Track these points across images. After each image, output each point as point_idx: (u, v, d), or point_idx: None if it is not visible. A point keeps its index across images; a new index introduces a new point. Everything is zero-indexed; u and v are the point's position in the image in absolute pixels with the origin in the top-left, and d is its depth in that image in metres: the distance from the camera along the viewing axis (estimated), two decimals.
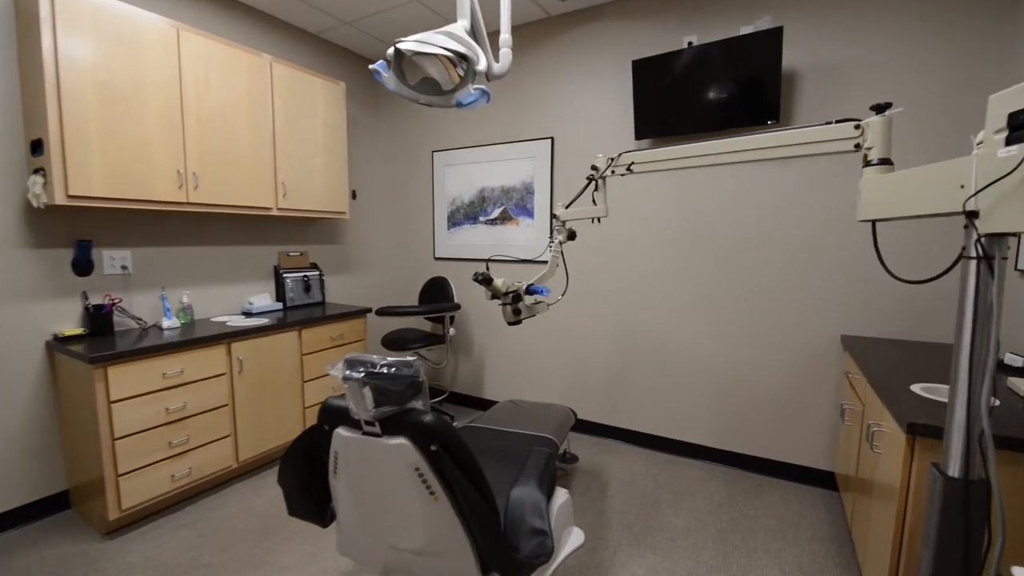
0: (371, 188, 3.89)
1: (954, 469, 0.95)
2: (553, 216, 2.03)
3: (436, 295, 3.42)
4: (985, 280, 0.95)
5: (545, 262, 3.09)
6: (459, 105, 1.42)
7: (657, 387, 2.95)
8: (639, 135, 2.75)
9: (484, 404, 3.61)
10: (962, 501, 0.98)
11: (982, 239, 0.95)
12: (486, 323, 3.54)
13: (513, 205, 3.32)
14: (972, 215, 0.94)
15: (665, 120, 2.64)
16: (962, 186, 0.95)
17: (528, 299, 1.96)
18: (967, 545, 0.99)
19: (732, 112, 2.44)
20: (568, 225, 2.05)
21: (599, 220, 1.98)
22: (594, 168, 1.88)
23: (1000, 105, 0.88)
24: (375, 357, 1.10)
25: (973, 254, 0.96)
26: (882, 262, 1.22)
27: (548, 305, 2.02)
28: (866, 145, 1.27)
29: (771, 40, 2.28)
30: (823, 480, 2.56)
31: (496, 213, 3.39)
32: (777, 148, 1.42)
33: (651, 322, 2.93)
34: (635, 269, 2.95)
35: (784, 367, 2.60)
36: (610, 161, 1.83)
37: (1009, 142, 0.87)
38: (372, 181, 3.90)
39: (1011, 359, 1.80)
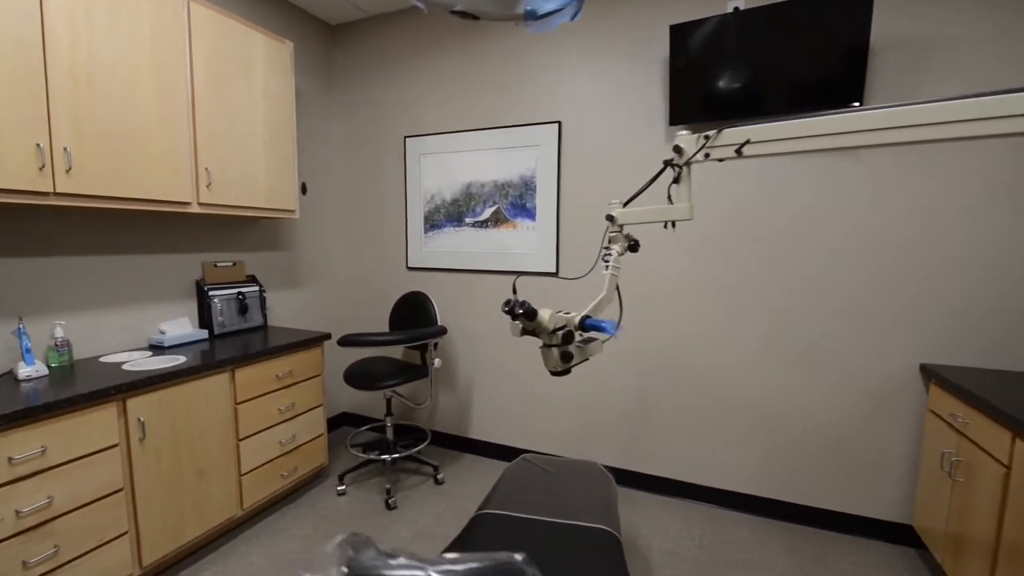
0: (326, 181, 3.15)
1: None
2: (609, 219, 1.46)
3: (413, 315, 2.75)
4: None
5: (558, 278, 2.52)
6: (531, 17, 0.82)
7: (690, 424, 2.45)
8: (675, 120, 2.24)
9: (470, 445, 2.97)
10: None
11: None
12: (473, 346, 2.91)
13: (509, 204, 2.71)
14: None
15: (711, 102, 2.14)
16: None
17: (578, 337, 1.38)
18: None
19: (803, 91, 1.98)
20: (626, 231, 1.49)
21: (673, 224, 1.43)
22: (677, 150, 1.32)
23: None
24: (417, 564, 0.47)
25: None
26: None
27: (602, 343, 1.44)
28: None
29: (857, 2, 1.83)
30: (891, 533, 2.15)
31: (487, 213, 2.77)
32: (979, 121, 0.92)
33: (680, 344, 2.43)
34: (660, 280, 2.44)
35: (844, 400, 2.18)
36: (704, 140, 1.28)
37: None
38: (327, 172, 3.15)
39: None
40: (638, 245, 1.46)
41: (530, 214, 2.67)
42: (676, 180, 1.36)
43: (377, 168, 3.08)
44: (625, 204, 1.48)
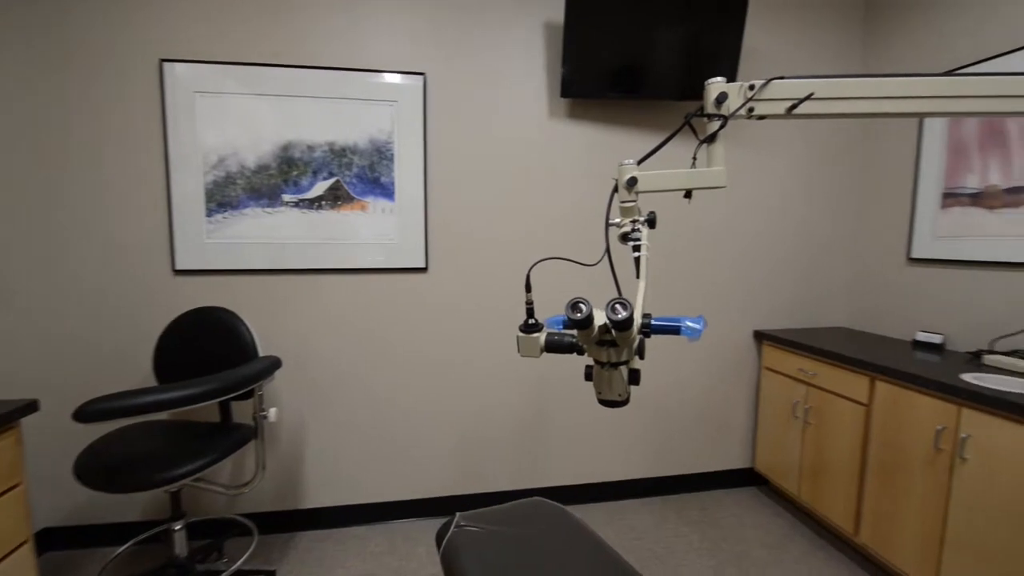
0: None
1: None
2: (630, 183, 1.10)
3: (208, 348, 1.71)
4: None
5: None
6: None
7: (578, 425, 2.29)
8: (566, 91, 2.01)
9: (307, 520, 2.10)
10: None
11: None
12: (301, 379, 2.04)
13: (354, 177, 1.98)
14: None
15: (609, 77, 2.00)
16: None
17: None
18: None
19: (687, 79, 2.02)
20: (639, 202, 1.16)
21: (689, 195, 1.18)
22: (719, 100, 1.07)
23: None
24: None
25: None
26: None
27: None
28: None
29: (736, 9, 1.96)
30: (737, 479, 2.50)
31: (319, 189, 1.96)
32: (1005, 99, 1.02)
33: None
34: (537, 275, 2.20)
35: (705, 372, 2.40)
36: (749, 92, 1.07)
37: None
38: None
39: (924, 336, 2.04)
40: (655, 220, 1.15)
41: (386, 191, 2.01)
42: (710, 139, 1.10)
43: (104, 108, 1.81)
44: (640, 162, 1.15)
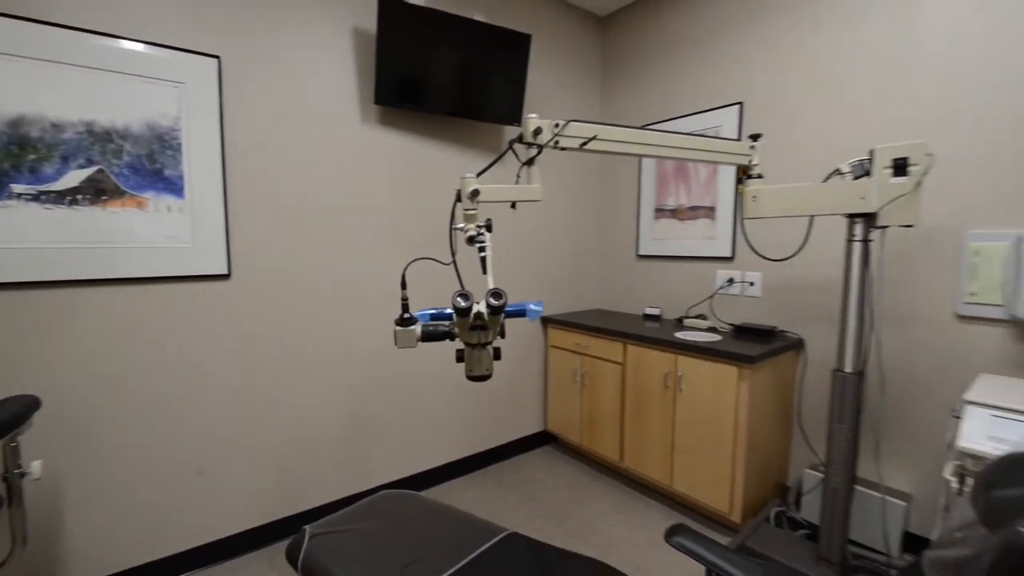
0: None
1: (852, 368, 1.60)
2: (473, 194, 1.29)
3: None
4: (865, 252, 1.60)
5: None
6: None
7: (401, 420, 2.39)
8: (379, 99, 2.08)
9: None
10: (856, 387, 1.63)
11: (871, 229, 1.59)
12: (60, 415, 1.59)
13: (125, 167, 1.64)
14: (870, 215, 1.57)
15: (414, 88, 2.13)
16: (862, 197, 1.56)
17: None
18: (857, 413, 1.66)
19: (481, 102, 2.31)
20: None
21: (514, 206, 1.44)
22: (536, 132, 1.36)
23: (887, 153, 1.52)
24: None
25: (859, 238, 1.60)
26: (755, 250, 1.73)
27: None
28: (754, 161, 1.71)
29: (521, 44, 2.34)
30: (539, 440, 2.99)
31: (74, 179, 1.56)
32: (701, 151, 1.61)
33: (383, 342, 2.33)
34: (354, 276, 2.22)
35: (505, 356, 2.79)
36: (555, 128, 1.40)
37: (896, 175, 1.52)
38: None
39: (649, 310, 2.84)
40: (492, 225, 1.38)
41: (173, 187, 1.73)
42: (530, 162, 1.39)
43: None
44: (479, 175, 1.35)
